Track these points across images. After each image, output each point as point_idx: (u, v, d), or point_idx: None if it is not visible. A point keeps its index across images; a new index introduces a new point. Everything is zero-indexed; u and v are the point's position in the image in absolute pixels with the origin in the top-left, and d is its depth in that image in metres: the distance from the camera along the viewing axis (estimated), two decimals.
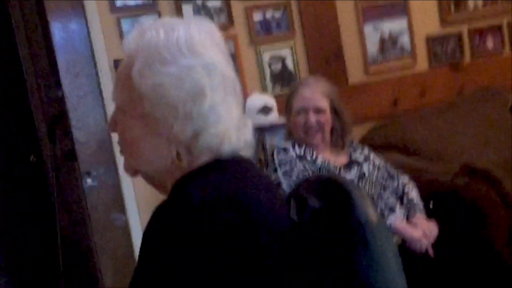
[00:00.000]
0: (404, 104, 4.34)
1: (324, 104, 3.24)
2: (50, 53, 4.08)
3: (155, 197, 1.45)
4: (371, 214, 1.37)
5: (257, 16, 4.03)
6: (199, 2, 3.91)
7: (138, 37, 1.43)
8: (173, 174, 1.42)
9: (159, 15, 3.82)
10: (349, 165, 3.24)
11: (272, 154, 3.22)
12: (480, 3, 4.61)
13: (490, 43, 4.63)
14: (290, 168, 3.12)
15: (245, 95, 3.69)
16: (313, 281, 1.34)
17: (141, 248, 1.33)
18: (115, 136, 1.50)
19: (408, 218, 3.15)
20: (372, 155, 3.34)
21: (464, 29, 4.58)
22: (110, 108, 3.36)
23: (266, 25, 4.06)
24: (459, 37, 4.55)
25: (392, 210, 3.13)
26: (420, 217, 3.14)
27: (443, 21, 4.52)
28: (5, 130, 5.71)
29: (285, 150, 3.20)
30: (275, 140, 3.60)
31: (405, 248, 2.99)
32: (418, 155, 3.91)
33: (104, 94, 3.69)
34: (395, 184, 3.27)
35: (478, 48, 4.60)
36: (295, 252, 1.34)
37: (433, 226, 3.08)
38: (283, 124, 3.47)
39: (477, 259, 3.32)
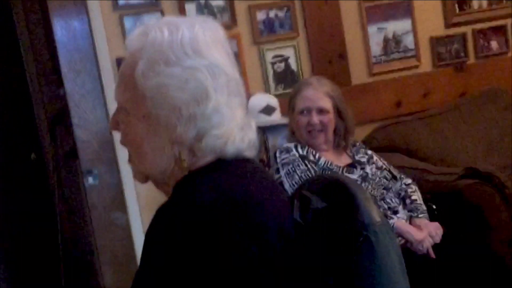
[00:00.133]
0: (408, 105, 4.33)
1: (327, 104, 3.23)
2: (52, 51, 4.07)
3: (156, 197, 1.46)
4: (375, 214, 1.36)
5: (260, 16, 4.02)
6: (202, 1, 3.90)
7: (142, 36, 1.42)
8: (176, 174, 1.41)
9: (162, 13, 3.81)
10: (352, 166, 3.23)
11: (275, 154, 3.22)
12: (484, 4, 4.60)
13: (494, 44, 4.62)
14: (293, 168, 3.11)
15: (248, 94, 3.68)
16: (316, 282, 1.33)
17: (143, 249, 1.32)
18: (117, 135, 1.49)
19: (411, 219, 3.15)
20: (375, 156, 3.34)
21: (468, 30, 4.57)
22: (112, 106, 3.35)
23: (269, 25, 4.05)
24: (463, 38, 4.54)
25: (395, 211, 3.13)
26: (423, 219, 3.14)
27: (447, 22, 4.51)
28: (6, 128, 5.70)
29: (287, 150, 3.19)
30: (278, 140, 3.60)
31: (407, 249, 2.99)
32: (421, 156, 3.91)
33: (106, 93, 3.68)
34: (398, 185, 3.26)
35: (482, 49, 4.59)
36: (299, 252, 1.33)
37: (437, 227, 3.08)
38: (286, 124, 3.46)
39: (479, 261, 3.30)
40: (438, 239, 3.06)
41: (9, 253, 5.71)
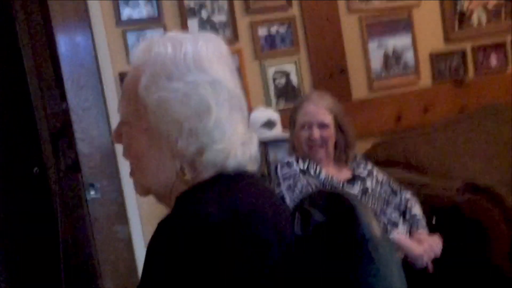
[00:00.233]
0: (408, 120, 4.34)
1: (328, 119, 3.25)
2: (55, 65, 4.10)
3: (158, 210, 1.47)
4: (375, 228, 1.37)
5: (262, 31, 4.05)
6: (204, 17, 3.93)
7: (146, 51, 1.44)
8: (177, 188, 1.42)
9: (165, 29, 3.83)
10: (353, 180, 3.25)
11: (276, 169, 3.23)
12: (484, 20, 4.63)
13: (493, 60, 4.64)
14: (294, 182, 3.12)
15: (249, 109, 3.70)
16: None
17: (145, 261, 1.33)
18: (119, 149, 1.51)
19: (410, 233, 3.16)
20: (375, 171, 3.35)
21: (468, 46, 4.60)
22: (115, 121, 3.38)
23: (270, 40, 4.07)
24: (463, 54, 4.56)
25: (395, 225, 3.14)
26: (422, 233, 3.14)
27: (447, 38, 4.54)
28: (9, 141, 5.72)
29: (288, 164, 3.21)
30: (279, 155, 3.61)
31: (406, 262, 3.00)
32: (421, 171, 3.92)
33: (109, 107, 3.70)
34: (398, 199, 3.27)
35: (482, 65, 4.61)
36: (299, 265, 1.34)
37: (437, 241, 3.09)
38: (287, 138, 3.48)
39: (478, 274, 3.31)
40: (438, 252, 3.06)
41: (11, 266, 5.70)
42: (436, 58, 4.49)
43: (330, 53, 4.20)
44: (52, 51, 4.24)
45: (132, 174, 1.50)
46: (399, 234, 3.10)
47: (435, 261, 3.05)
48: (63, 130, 4.85)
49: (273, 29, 4.07)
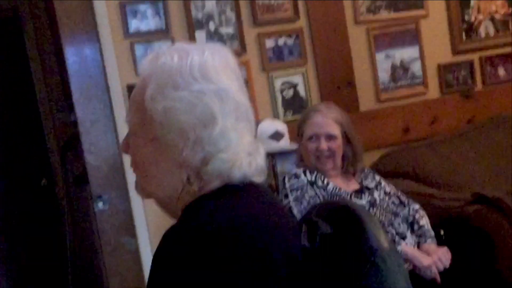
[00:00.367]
0: (415, 132, 4.34)
1: (336, 130, 3.25)
2: (64, 77, 4.11)
3: (166, 222, 1.45)
4: (383, 240, 1.36)
5: (269, 43, 4.05)
6: (212, 29, 3.94)
7: (153, 62, 1.44)
8: (183, 198, 1.42)
9: (173, 41, 3.84)
10: (360, 191, 3.24)
11: (283, 180, 3.23)
12: (491, 31, 4.63)
13: (501, 71, 4.64)
14: (301, 194, 3.13)
15: (257, 121, 3.70)
16: None
17: (150, 272, 1.33)
18: (127, 160, 1.51)
19: (419, 245, 3.15)
20: (383, 182, 3.35)
21: (476, 57, 4.59)
22: (122, 132, 3.38)
23: (278, 52, 4.08)
24: (471, 65, 4.56)
25: (403, 237, 3.14)
26: (431, 244, 3.14)
27: (455, 49, 4.54)
28: (17, 154, 5.74)
29: (296, 176, 3.21)
30: (286, 166, 3.61)
31: (415, 274, 2.99)
32: (429, 182, 3.91)
33: (117, 119, 3.70)
34: (406, 211, 3.27)
35: (490, 76, 4.61)
36: (306, 277, 1.34)
37: (445, 252, 3.08)
38: (295, 150, 3.48)
39: (486, 286, 3.30)
40: (446, 264, 3.06)
41: (20, 277, 5.72)
42: (443, 69, 4.49)
43: (337, 64, 4.21)
44: (61, 63, 4.26)
45: (138, 182, 1.51)
46: (407, 245, 3.09)
47: (443, 272, 3.05)
48: (71, 142, 4.86)
49: (281, 41, 4.08)
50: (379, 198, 3.23)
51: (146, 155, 1.44)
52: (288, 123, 3.86)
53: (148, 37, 3.84)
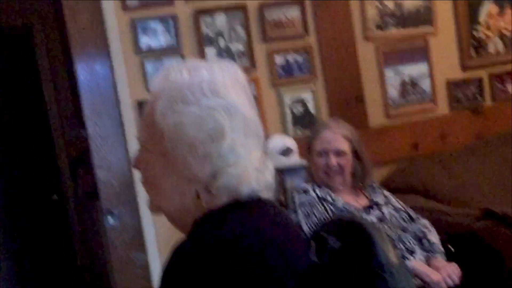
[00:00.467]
0: (425, 148, 4.34)
1: (345, 146, 3.26)
2: (75, 93, 4.14)
3: (176, 237, 1.46)
4: (392, 255, 1.36)
5: (279, 59, 4.07)
6: (222, 45, 3.96)
7: (163, 78, 1.46)
8: (193, 213, 1.42)
9: (183, 57, 3.86)
10: (369, 207, 3.25)
11: (293, 196, 3.24)
12: (500, 48, 4.62)
13: (510, 88, 4.63)
14: (310, 209, 3.14)
15: (266, 136, 3.71)
16: None
17: (159, 285, 1.34)
18: (137, 176, 1.53)
19: (428, 260, 3.15)
20: (392, 198, 3.35)
21: (485, 74, 4.59)
22: (133, 148, 3.40)
23: (287, 68, 4.09)
24: (480, 82, 4.56)
25: (412, 252, 3.13)
26: (440, 260, 3.14)
27: (464, 65, 4.54)
28: (28, 169, 5.77)
29: (305, 191, 3.22)
30: (296, 182, 3.62)
31: None
32: (438, 198, 3.91)
33: (127, 135, 3.72)
34: (415, 226, 3.27)
35: (499, 93, 4.60)
36: None
37: (455, 268, 3.08)
38: (304, 165, 3.49)
39: None
40: (455, 280, 3.05)
41: None
42: (453, 86, 4.49)
43: (346, 80, 4.22)
44: (71, 79, 4.29)
45: (149, 199, 1.52)
46: (417, 261, 3.09)
47: None
48: (82, 157, 4.88)
49: (290, 57, 4.09)
50: (388, 214, 3.23)
51: (156, 170, 1.45)
52: (297, 139, 3.87)
53: (158, 53, 3.86)
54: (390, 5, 4.33)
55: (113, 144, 3.75)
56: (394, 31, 4.37)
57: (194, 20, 3.93)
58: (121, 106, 3.75)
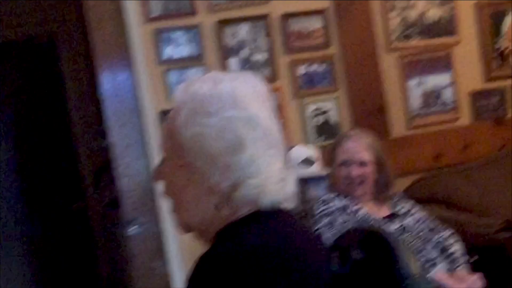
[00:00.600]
0: (447, 158, 4.32)
1: (367, 157, 3.26)
2: (98, 103, 4.16)
3: (198, 247, 1.47)
4: (414, 266, 1.36)
5: (301, 70, 4.07)
6: (244, 56, 3.97)
7: (185, 89, 1.47)
8: (214, 225, 1.43)
9: (205, 68, 3.88)
10: (391, 217, 3.24)
11: (314, 206, 3.24)
12: None
13: None
14: (332, 219, 3.13)
15: (288, 147, 3.72)
16: None
17: None
18: (159, 185, 1.53)
19: (451, 271, 3.13)
20: (414, 208, 3.34)
21: (508, 84, 4.56)
22: (155, 158, 3.41)
23: (310, 78, 4.09)
24: (503, 92, 4.54)
25: (434, 263, 3.12)
26: (463, 271, 3.12)
27: (487, 76, 4.51)
28: (51, 178, 5.81)
29: (327, 201, 3.22)
30: (317, 192, 3.61)
31: None
32: (460, 209, 3.89)
33: (150, 144, 3.74)
34: (438, 237, 3.25)
35: None
36: None
37: (478, 280, 3.06)
38: (326, 176, 3.49)
39: None
40: None
41: None
42: (475, 96, 4.47)
43: (369, 91, 4.21)
44: (95, 88, 4.31)
45: (173, 211, 1.52)
46: (439, 272, 3.07)
47: None
48: (104, 167, 4.90)
49: (313, 68, 4.09)
50: (410, 224, 3.22)
51: (178, 182, 1.45)
52: (319, 149, 3.87)
53: (181, 63, 3.88)
54: (413, 15, 4.33)
55: (136, 153, 3.76)
56: (416, 41, 4.36)
57: (217, 31, 3.94)
58: (144, 116, 3.77)
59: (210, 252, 1.38)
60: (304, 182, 3.63)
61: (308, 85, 4.10)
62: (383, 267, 1.36)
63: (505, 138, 4.46)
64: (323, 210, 3.19)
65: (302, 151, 3.75)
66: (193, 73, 3.83)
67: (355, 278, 1.37)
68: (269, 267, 1.30)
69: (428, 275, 2.94)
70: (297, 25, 4.07)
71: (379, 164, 3.30)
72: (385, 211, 3.29)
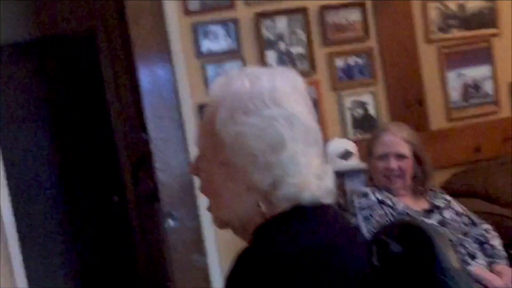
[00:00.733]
0: (487, 151, 4.28)
1: (406, 150, 3.24)
2: (137, 97, 4.19)
3: (236, 240, 1.49)
4: (453, 260, 1.34)
5: (339, 62, 4.06)
6: (282, 49, 3.97)
7: (224, 86, 1.46)
8: (253, 221, 1.43)
9: (243, 61, 3.89)
10: (430, 210, 3.22)
11: (352, 199, 3.23)
12: None
13: None
14: (370, 213, 3.12)
15: (326, 139, 3.72)
16: None
17: None
18: (197, 179, 1.53)
19: (490, 266, 3.11)
20: (453, 201, 3.32)
21: None
22: (193, 151, 3.43)
23: (348, 71, 4.08)
24: None
25: (473, 257, 3.09)
26: (502, 266, 3.09)
27: None
28: (90, 172, 5.86)
29: (365, 195, 3.21)
30: (356, 185, 3.61)
31: None
32: (500, 202, 3.86)
33: (188, 138, 3.75)
34: (477, 231, 3.23)
35: None
36: None
37: None
38: (364, 169, 3.48)
39: None
40: None
41: None
42: None
43: (407, 83, 4.19)
44: (134, 82, 4.35)
45: (209, 208, 1.52)
46: (478, 266, 3.05)
47: None
48: (143, 160, 4.94)
49: (351, 60, 4.08)
50: (449, 218, 3.20)
51: (216, 179, 1.45)
52: (357, 142, 3.86)
53: (219, 57, 3.90)
54: (453, 6, 4.29)
55: (174, 147, 3.79)
56: (456, 33, 4.32)
57: (254, 24, 3.95)
58: (182, 109, 3.79)
59: (250, 250, 1.38)
60: (342, 176, 3.62)
61: (346, 77, 4.09)
62: (422, 261, 1.35)
63: None
64: (361, 203, 3.18)
65: (340, 144, 3.75)
66: (230, 66, 3.85)
67: (395, 272, 1.35)
68: (312, 264, 1.30)
69: (467, 269, 2.92)
70: (335, 17, 4.06)
71: (418, 157, 3.28)
72: (423, 204, 3.28)
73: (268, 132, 1.38)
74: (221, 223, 1.51)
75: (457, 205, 3.31)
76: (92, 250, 5.93)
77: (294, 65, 3.91)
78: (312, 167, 1.42)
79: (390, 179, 3.25)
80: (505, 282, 2.98)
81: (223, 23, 3.91)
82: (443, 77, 4.29)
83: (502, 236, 3.26)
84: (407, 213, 3.15)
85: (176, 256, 3.86)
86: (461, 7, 4.30)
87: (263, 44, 3.95)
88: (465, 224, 3.22)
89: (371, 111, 4.12)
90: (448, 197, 3.35)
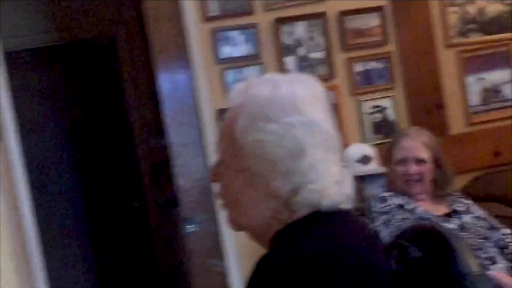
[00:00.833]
0: (506, 155, 4.26)
1: (425, 154, 3.24)
2: (156, 102, 4.21)
3: (255, 245, 1.48)
4: (472, 264, 1.35)
5: (358, 67, 4.07)
6: (301, 54, 3.98)
7: (243, 92, 1.46)
8: (272, 227, 1.43)
9: (262, 66, 3.90)
10: (450, 215, 3.21)
11: (372, 204, 3.23)
12: None
13: None
14: (390, 217, 3.12)
15: (346, 144, 3.72)
16: None
17: None
18: (215, 188, 1.53)
19: (510, 270, 3.09)
20: (473, 206, 3.31)
21: None
22: (212, 156, 3.45)
23: (367, 76, 4.09)
24: None
25: (493, 261, 3.08)
26: None
27: None
28: (110, 177, 5.89)
29: (384, 199, 3.21)
30: (375, 190, 3.61)
31: None
32: None
33: (207, 143, 3.77)
34: (497, 235, 3.21)
35: None
36: None
37: None
38: (383, 173, 3.48)
39: None
40: None
41: None
42: None
43: (427, 88, 4.19)
44: (153, 88, 4.37)
45: (226, 213, 1.52)
46: (498, 271, 3.04)
47: None
48: (163, 165, 4.96)
49: (370, 65, 4.08)
50: (468, 222, 3.19)
51: (236, 185, 1.45)
52: (376, 146, 3.86)
53: (238, 63, 3.91)
54: (472, 11, 4.28)
55: (193, 152, 3.80)
56: (475, 37, 4.31)
57: (273, 29, 3.96)
58: (202, 114, 3.80)
59: (269, 255, 1.38)
60: (361, 180, 3.62)
61: (365, 82, 4.09)
62: (441, 265, 1.35)
63: None
64: (381, 208, 3.19)
65: (359, 149, 3.75)
66: (250, 72, 3.86)
67: (414, 276, 1.36)
68: (332, 269, 1.30)
69: (486, 274, 2.91)
70: (354, 22, 4.07)
71: (437, 162, 3.28)
72: (443, 209, 3.27)
73: (288, 139, 1.38)
74: (237, 226, 1.51)
75: (477, 209, 3.30)
76: (112, 255, 5.96)
77: (313, 70, 3.92)
78: (331, 174, 1.41)
79: (409, 184, 3.25)
80: None
81: (243, 28, 3.92)
82: (463, 81, 4.28)
83: None
84: (426, 218, 3.15)
85: (196, 260, 3.87)
86: (480, 11, 4.29)
87: (282, 50, 3.96)
88: (485, 228, 3.21)
89: (391, 116, 4.12)
90: (468, 201, 3.34)
